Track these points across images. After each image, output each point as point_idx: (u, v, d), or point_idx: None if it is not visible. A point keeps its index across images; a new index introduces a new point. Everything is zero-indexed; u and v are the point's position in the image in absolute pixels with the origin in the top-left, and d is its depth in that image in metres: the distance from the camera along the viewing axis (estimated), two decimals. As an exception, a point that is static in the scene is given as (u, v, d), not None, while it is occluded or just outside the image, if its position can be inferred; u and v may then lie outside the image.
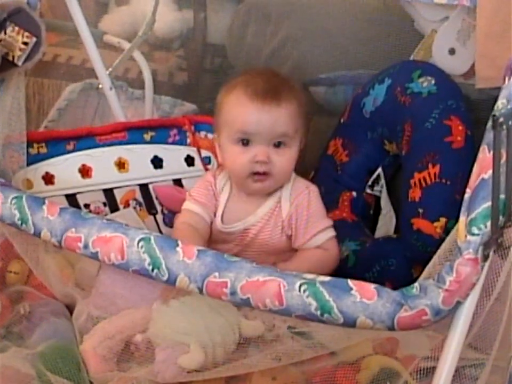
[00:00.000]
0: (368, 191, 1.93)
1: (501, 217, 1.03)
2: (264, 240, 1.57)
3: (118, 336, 1.35)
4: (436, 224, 1.60)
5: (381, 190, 1.93)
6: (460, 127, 1.66)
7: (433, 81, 1.73)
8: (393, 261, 1.71)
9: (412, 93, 1.75)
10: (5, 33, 1.70)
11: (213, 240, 1.59)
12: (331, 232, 1.56)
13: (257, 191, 1.55)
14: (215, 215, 1.59)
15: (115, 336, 1.35)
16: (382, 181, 1.92)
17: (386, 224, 1.91)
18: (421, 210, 1.64)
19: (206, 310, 1.29)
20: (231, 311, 1.29)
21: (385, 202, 1.92)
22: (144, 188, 1.96)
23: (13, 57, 1.71)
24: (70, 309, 1.50)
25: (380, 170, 1.92)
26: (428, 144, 1.68)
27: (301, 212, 1.55)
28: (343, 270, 1.58)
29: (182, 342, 1.27)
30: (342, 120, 1.96)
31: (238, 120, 1.50)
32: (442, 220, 1.59)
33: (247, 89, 1.49)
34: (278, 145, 1.50)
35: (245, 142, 1.50)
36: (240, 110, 1.50)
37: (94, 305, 1.40)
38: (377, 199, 1.94)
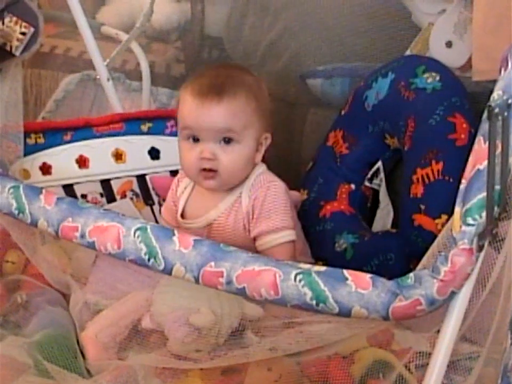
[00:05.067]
0: (367, 184, 1.92)
1: (496, 208, 1.03)
2: (228, 237, 1.55)
3: (122, 322, 1.35)
4: (437, 221, 1.59)
5: (380, 184, 1.92)
6: (464, 125, 1.65)
7: (437, 78, 1.72)
8: (392, 256, 1.70)
9: (416, 88, 1.74)
10: (3, 23, 1.70)
11: None
12: (288, 236, 1.53)
13: (209, 188, 1.55)
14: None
15: (119, 322, 1.35)
16: (382, 175, 1.91)
17: (383, 218, 1.90)
18: (422, 207, 1.63)
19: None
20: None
21: (383, 196, 1.91)
22: (141, 178, 1.97)
23: (11, 47, 1.71)
24: (67, 297, 1.51)
25: (379, 163, 1.91)
26: (432, 140, 1.67)
27: (255, 205, 1.53)
28: (340, 262, 1.58)
29: (193, 306, 1.29)
30: (342, 112, 1.95)
31: (182, 117, 1.53)
32: (444, 217, 1.58)
33: (193, 86, 1.52)
34: (227, 141, 1.50)
35: (194, 139, 1.51)
36: (184, 107, 1.52)
37: (92, 291, 1.40)
38: (375, 192, 1.94)
